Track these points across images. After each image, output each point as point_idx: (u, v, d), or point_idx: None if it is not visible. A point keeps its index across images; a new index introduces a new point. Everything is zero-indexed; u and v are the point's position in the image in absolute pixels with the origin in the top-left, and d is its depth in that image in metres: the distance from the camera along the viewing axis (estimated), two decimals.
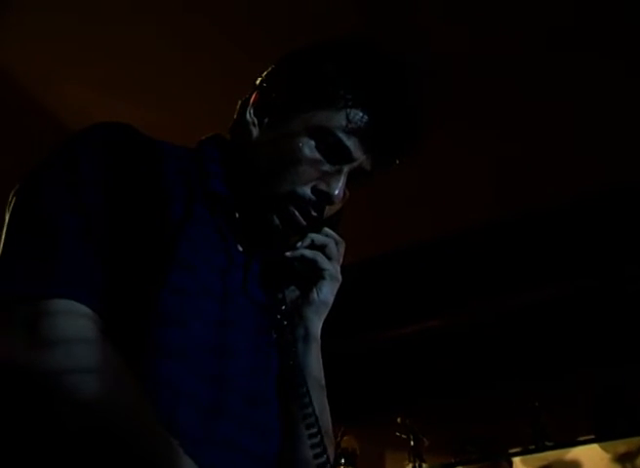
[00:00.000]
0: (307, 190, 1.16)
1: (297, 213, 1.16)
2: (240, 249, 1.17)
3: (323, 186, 1.16)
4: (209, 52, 2.71)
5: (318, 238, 1.21)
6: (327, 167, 1.16)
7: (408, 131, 1.18)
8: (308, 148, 1.15)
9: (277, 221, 1.16)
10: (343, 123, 1.15)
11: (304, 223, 1.17)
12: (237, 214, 1.17)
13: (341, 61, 1.18)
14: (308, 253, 1.21)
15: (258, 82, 1.24)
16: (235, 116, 1.25)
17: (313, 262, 1.21)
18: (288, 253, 1.20)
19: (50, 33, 2.66)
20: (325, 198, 1.16)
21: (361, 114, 1.15)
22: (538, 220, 3.46)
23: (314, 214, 1.17)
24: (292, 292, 1.23)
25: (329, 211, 1.20)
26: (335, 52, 1.20)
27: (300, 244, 1.20)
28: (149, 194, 1.05)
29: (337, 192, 1.16)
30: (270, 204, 1.16)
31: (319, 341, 1.22)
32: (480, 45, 2.62)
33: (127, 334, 0.97)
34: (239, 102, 1.25)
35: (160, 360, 0.97)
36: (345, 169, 1.17)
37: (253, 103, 1.22)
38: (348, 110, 1.15)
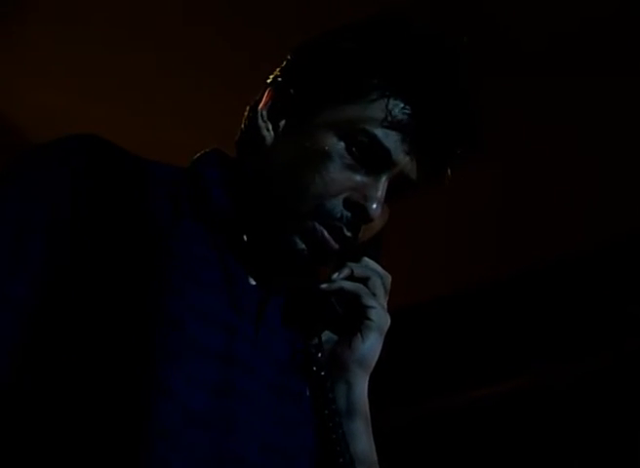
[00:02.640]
0: (338, 204, 0.95)
1: (325, 233, 0.95)
2: (253, 282, 0.97)
3: (358, 199, 0.95)
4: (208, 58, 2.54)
5: (359, 269, 0.99)
6: (361, 174, 0.96)
7: (463, 123, 0.97)
8: (337, 152, 0.95)
9: (302, 244, 0.95)
10: (380, 118, 0.94)
11: (336, 247, 0.96)
12: (245, 238, 0.97)
13: (374, 43, 0.98)
14: (349, 285, 0.98)
15: (271, 79, 1.03)
16: (243, 123, 1.04)
17: (355, 297, 0.98)
18: (323, 286, 0.98)
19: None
20: (360, 213, 0.95)
21: (402, 105, 0.95)
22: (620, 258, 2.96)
23: (348, 234, 0.96)
24: (328, 339, 1.00)
25: (365, 232, 0.98)
26: (364, 32, 0.99)
27: (336, 275, 0.98)
28: (125, 231, 0.89)
29: (375, 206, 0.95)
30: (291, 223, 0.95)
31: (367, 404, 1.00)
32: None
33: (118, 407, 0.83)
34: (247, 108, 1.05)
35: (151, 441, 0.82)
36: (385, 177, 0.96)
37: (266, 104, 1.01)
38: (386, 101, 0.95)
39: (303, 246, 0.95)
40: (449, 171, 1.00)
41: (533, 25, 2.32)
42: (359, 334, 0.98)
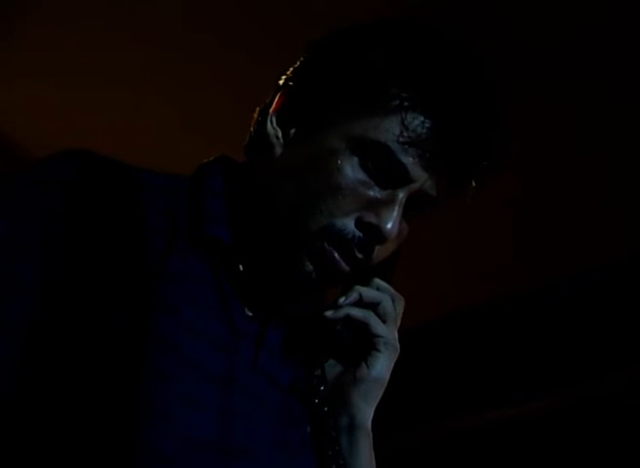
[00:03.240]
0: (350, 223, 0.89)
1: (335, 254, 0.89)
2: (249, 314, 0.92)
3: (371, 218, 0.89)
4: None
5: (368, 293, 0.93)
6: (376, 192, 0.89)
7: (489, 137, 0.90)
8: (350, 167, 0.89)
9: (309, 266, 0.89)
10: (398, 131, 0.88)
11: (347, 269, 0.90)
12: (241, 267, 0.92)
13: (393, 48, 0.91)
14: (357, 312, 0.92)
15: (282, 81, 0.96)
16: (252, 128, 0.98)
17: (363, 326, 0.93)
18: (328, 313, 0.92)
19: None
20: (374, 234, 0.89)
21: (422, 118, 0.88)
22: None
23: (359, 255, 0.90)
24: (332, 368, 0.95)
25: (379, 253, 0.92)
26: (383, 36, 0.93)
27: (343, 300, 0.92)
28: (120, 247, 0.86)
29: (390, 226, 0.89)
30: (299, 242, 0.90)
31: (370, 435, 0.95)
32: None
33: (108, 435, 0.79)
34: (257, 111, 0.98)
35: (147, 465, 0.78)
36: (402, 194, 0.90)
37: (275, 110, 0.95)
38: (404, 114, 0.88)
39: (311, 267, 0.89)
40: (473, 185, 0.94)
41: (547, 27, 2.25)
42: (365, 366, 0.93)
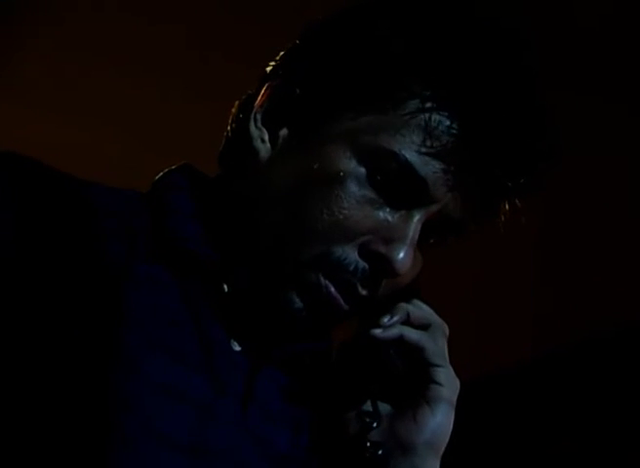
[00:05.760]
0: (352, 252, 0.75)
1: (332, 289, 0.75)
2: (237, 348, 0.78)
3: (379, 246, 0.75)
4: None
5: (417, 312, 0.77)
6: (386, 213, 0.76)
7: (534, 147, 0.75)
8: (356, 181, 0.75)
9: (299, 303, 0.76)
10: (419, 139, 0.74)
11: (345, 307, 0.76)
12: (226, 287, 0.78)
13: (412, 30, 0.76)
14: (412, 333, 0.76)
15: (269, 70, 0.81)
16: (230, 127, 0.83)
17: (418, 352, 0.76)
18: (377, 332, 0.75)
19: None
20: (382, 266, 0.75)
21: (448, 122, 0.73)
22: None
23: (363, 292, 0.76)
24: (380, 404, 0.79)
25: (385, 287, 0.77)
26: (400, 15, 0.77)
27: (388, 318, 0.76)
28: (62, 284, 0.72)
29: (401, 255, 0.74)
30: (288, 273, 0.76)
31: None
32: None
33: None
34: (235, 104, 0.83)
35: None
36: (417, 217, 0.75)
37: (262, 105, 0.79)
38: (425, 116, 0.73)
39: (301, 304, 0.76)
40: (505, 207, 0.78)
41: None
42: (426, 405, 0.76)
